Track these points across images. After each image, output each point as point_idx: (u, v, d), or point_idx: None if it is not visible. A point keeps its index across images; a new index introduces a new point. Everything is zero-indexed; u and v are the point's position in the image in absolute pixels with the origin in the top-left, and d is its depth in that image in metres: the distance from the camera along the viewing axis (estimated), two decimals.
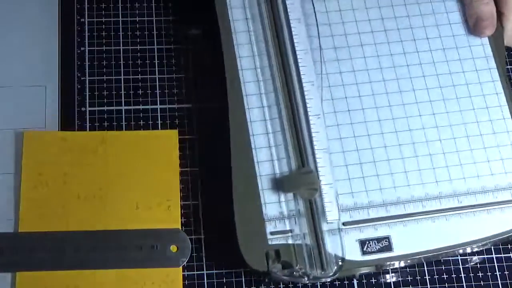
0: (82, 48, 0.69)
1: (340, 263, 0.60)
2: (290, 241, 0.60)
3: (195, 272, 0.62)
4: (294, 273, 0.60)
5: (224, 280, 0.62)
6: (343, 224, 0.61)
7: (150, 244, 0.61)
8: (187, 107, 0.68)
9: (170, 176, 0.64)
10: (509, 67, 0.72)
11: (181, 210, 0.63)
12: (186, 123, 0.67)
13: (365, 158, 0.64)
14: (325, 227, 0.61)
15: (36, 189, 0.63)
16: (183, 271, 0.61)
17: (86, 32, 0.70)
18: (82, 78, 0.68)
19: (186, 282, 0.62)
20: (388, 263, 0.61)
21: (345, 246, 0.61)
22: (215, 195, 0.63)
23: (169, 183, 0.64)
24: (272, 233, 0.60)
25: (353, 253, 0.60)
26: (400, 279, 0.63)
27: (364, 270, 0.61)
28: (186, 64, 0.69)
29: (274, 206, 0.62)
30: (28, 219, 0.62)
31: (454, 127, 0.65)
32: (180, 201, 0.64)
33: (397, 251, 0.61)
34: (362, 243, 0.61)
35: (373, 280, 0.63)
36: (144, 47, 0.70)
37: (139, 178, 0.64)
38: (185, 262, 0.61)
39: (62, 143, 0.64)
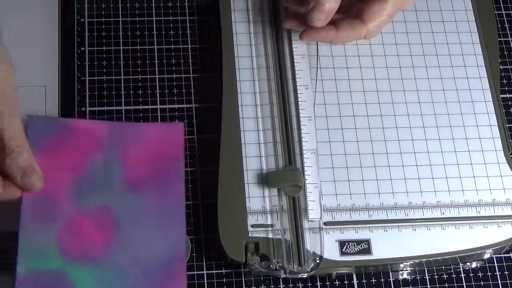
0: (82, 48, 0.69)
1: (317, 260, 0.61)
2: (270, 235, 0.61)
3: (195, 272, 0.62)
4: (271, 266, 0.60)
5: (224, 280, 0.62)
6: (325, 223, 0.62)
7: None
8: (187, 107, 0.68)
9: None
10: (502, 71, 0.72)
11: None
12: (186, 123, 0.67)
13: (352, 162, 0.65)
14: (306, 224, 0.62)
15: None
16: None
17: (86, 32, 0.70)
18: (82, 78, 0.68)
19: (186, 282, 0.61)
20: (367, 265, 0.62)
21: (324, 245, 0.61)
22: (215, 195, 0.62)
23: None
24: (253, 226, 0.61)
25: (332, 253, 0.61)
26: (400, 278, 0.63)
27: (342, 270, 0.62)
28: (186, 63, 0.69)
29: (258, 200, 0.62)
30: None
31: (443, 141, 0.66)
32: None
33: (375, 254, 0.61)
34: (342, 243, 0.62)
35: (373, 280, 0.63)
36: (144, 47, 0.70)
37: None
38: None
39: None
